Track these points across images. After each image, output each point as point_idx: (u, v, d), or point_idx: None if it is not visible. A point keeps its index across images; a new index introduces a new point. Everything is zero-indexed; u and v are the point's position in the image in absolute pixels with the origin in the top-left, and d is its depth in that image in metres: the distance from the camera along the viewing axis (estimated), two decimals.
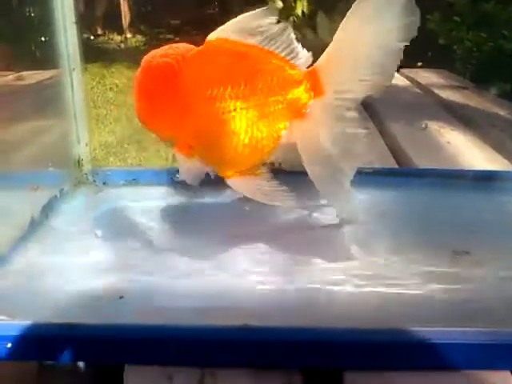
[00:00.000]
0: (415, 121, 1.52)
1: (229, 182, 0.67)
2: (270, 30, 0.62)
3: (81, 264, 0.64)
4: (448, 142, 1.36)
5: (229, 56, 0.63)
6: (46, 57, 0.90)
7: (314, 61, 0.64)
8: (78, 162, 0.87)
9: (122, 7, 4.34)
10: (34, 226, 0.71)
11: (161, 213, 0.78)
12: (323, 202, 0.74)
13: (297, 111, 0.64)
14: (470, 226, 0.72)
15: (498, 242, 0.68)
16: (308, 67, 0.64)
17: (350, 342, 0.49)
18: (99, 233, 0.71)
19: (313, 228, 0.73)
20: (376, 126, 1.55)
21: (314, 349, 0.49)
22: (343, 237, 0.70)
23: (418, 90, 2.12)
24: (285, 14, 2.94)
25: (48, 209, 0.76)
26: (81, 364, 0.55)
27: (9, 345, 0.48)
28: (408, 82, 2.23)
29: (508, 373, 0.49)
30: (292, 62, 0.63)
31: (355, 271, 0.62)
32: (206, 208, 0.80)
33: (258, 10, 0.62)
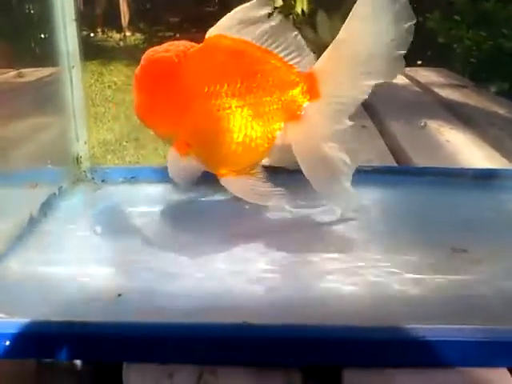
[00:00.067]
0: (414, 119, 1.52)
1: (222, 181, 0.67)
2: (269, 24, 0.62)
3: (79, 261, 0.64)
4: (447, 141, 1.35)
5: (227, 54, 0.64)
6: (45, 54, 0.90)
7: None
8: (77, 159, 0.87)
9: (121, 5, 4.33)
10: (33, 224, 0.71)
11: (160, 211, 0.78)
12: (323, 200, 0.74)
13: (292, 113, 0.64)
14: (469, 223, 0.72)
15: (497, 240, 0.68)
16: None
17: (347, 339, 0.49)
18: (98, 230, 0.71)
19: (312, 226, 0.73)
20: (374, 123, 1.55)
21: (313, 346, 0.49)
22: (342, 235, 0.70)
23: (417, 89, 2.12)
24: (284, 12, 2.93)
25: (47, 206, 0.76)
26: (79, 362, 0.55)
27: (7, 343, 0.48)
28: (407, 81, 2.22)
29: (505, 370, 0.49)
30: (294, 59, 0.63)
31: (354, 269, 0.62)
32: (205, 206, 0.80)
33: (251, 2, 0.62)
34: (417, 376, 0.48)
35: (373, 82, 0.60)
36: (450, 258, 0.64)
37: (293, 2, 3.16)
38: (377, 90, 0.62)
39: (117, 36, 4.31)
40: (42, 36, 0.92)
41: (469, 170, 0.92)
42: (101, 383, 0.58)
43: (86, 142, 0.88)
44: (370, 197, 0.79)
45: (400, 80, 2.17)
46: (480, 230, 0.71)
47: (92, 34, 4.05)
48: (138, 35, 4.26)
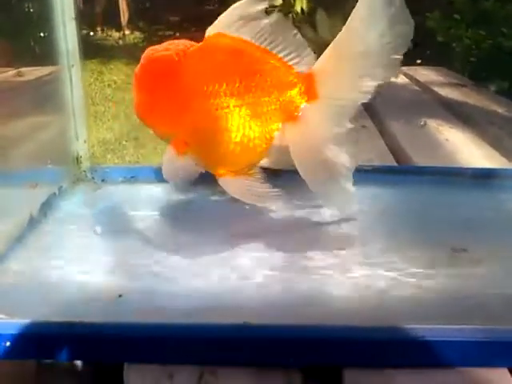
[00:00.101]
0: (414, 118, 1.52)
1: (220, 181, 0.67)
2: (269, 23, 0.62)
3: (79, 261, 0.64)
4: (446, 140, 1.35)
5: (226, 53, 0.63)
6: (44, 53, 0.90)
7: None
8: (77, 159, 0.87)
9: (120, 4, 4.33)
10: (33, 224, 0.71)
11: (160, 210, 0.78)
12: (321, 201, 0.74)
13: (290, 113, 0.64)
14: (469, 223, 0.73)
15: (496, 240, 0.68)
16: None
17: (347, 339, 0.49)
18: (98, 230, 0.70)
19: (312, 226, 0.73)
20: (374, 123, 1.55)
21: (313, 346, 0.49)
22: (342, 235, 0.70)
23: (416, 88, 2.12)
24: (284, 11, 2.93)
25: (47, 206, 0.76)
26: (79, 363, 0.55)
27: (7, 343, 0.48)
28: (407, 80, 2.22)
29: (505, 370, 0.49)
30: (294, 59, 0.63)
31: (354, 269, 0.62)
32: (206, 206, 0.80)
33: None
34: (417, 376, 0.48)
35: (371, 84, 0.60)
36: (450, 258, 0.64)
37: (292, 1, 3.15)
38: (376, 90, 0.62)
39: (116, 35, 4.30)
40: (42, 35, 0.92)
41: (468, 170, 0.92)
42: None
43: (85, 141, 0.88)
44: (370, 196, 0.79)
45: (399, 79, 2.17)
46: (480, 229, 0.71)
47: (91, 33, 4.04)
48: (138, 34, 4.26)
